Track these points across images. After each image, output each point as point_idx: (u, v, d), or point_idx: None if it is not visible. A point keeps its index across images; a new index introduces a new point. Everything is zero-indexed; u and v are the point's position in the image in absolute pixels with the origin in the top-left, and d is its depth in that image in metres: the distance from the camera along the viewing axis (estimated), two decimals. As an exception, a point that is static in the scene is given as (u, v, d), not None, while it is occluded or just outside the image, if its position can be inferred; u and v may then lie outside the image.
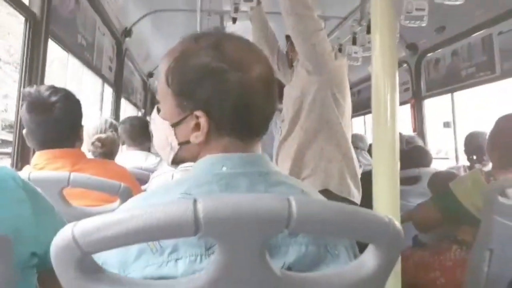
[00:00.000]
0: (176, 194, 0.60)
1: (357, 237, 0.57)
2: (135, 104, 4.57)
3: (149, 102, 5.28)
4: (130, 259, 0.55)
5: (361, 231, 0.52)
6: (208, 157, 0.65)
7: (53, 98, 1.24)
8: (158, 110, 0.70)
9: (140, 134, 2.34)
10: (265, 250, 0.49)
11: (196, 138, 0.65)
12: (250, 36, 2.01)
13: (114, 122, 1.97)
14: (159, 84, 0.68)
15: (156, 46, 4.00)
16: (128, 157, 2.28)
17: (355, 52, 2.77)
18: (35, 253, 0.65)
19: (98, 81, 3.05)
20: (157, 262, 0.54)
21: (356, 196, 1.70)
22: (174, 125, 0.67)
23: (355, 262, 0.55)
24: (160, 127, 0.70)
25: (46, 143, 1.27)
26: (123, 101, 3.59)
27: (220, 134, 0.65)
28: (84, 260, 0.47)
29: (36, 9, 1.69)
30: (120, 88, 3.36)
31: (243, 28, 1.87)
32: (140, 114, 4.78)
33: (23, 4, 1.64)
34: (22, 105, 1.26)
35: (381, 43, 0.93)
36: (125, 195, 1.20)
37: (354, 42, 2.86)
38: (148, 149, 2.46)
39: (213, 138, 0.65)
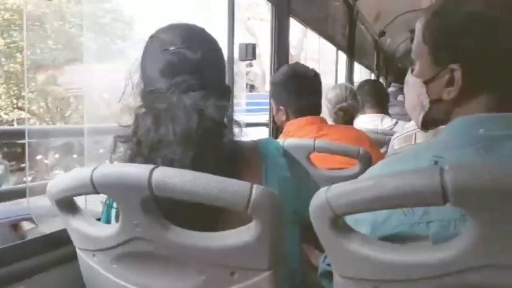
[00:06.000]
0: (426, 158, 0.58)
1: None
2: (367, 66, 4.56)
3: (382, 62, 5.15)
4: (380, 219, 0.58)
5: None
6: (463, 118, 0.61)
7: (311, 73, 1.49)
8: (412, 70, 0.70)
9: (377, 96, 2.38)
10: None
11: (449, 94, 0.63)
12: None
13: (353, 88, 2.04)
14: (415, 42, 0.69)
15: (387, 3, 3.81)
16: (365, 121, 2.35)
17: None
18: (296, 211, 0.77)
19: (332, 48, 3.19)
20: (408, 222, 0.56)
21: None
22: (427, 82, 0.66)
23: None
24: (412, 87, 0.70)
25: (300, 111, 1.47)
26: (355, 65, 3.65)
27: (479, 91, 0.61)
28: (337, 221, 0.53)
29: (278, -7, 1.90)
30: (353, 53, 3.42)
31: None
32: (373, 76, 4.74)
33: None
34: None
35: None
36: (364, 159, 1.25)
37: None
38: (384, 112, 2.47)
39: (470, 96, 0.61)
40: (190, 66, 0.73)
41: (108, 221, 0.80)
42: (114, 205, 0.76)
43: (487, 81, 0.60)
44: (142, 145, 0.68)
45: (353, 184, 0.51)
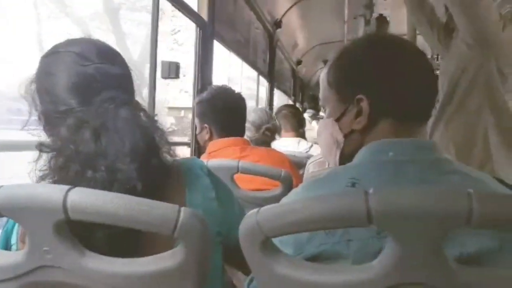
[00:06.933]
0: (343, 181, 0.62)
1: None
2: (285, 92, 4.79)
3: (298, 89, 5.44)
4: (303, 239, 0.60)
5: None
6: (372, 143, 0.67)
7: (237, 95, 1.52)
8: (322, 113, 0.77)
9: (294, 121, 2.50)
10: (442, 244, 0.48)
11: (359, 123, 0.69)
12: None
13: (271, 112, 2.12)
14: (322, 89, 0.76)
15: (304, 33, 4.08)
16: (282, 144, 2.44)
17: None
18: (220, 232, 0.76)
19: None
20: (330, 241, 0.58)
21: None
22: (338, 119, 0.72)
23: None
24: (324, 130, 0.76)
25: (225, 130, 1.48)
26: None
27: (383, 118, 0.68)
28: (266, 242, 0.53)
29: (204, 15, 1.92)
30: (273, 78, 3.56)
31: None
32: (290, 101, 4.98)
33: (195, 12, 1.89)
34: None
35: None
36: (286, 181, 1.29)
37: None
38: (301, 136, 2.59)
39: (376, 123, 0.68)
40: (115, 81, 0.70)
41: (6, 249, 0.70)
42: (15, 229, 0.68)
43: (387, 108, 0.68)
44: (80, 154, 0.62)
45: (283, 207, 0.52)
